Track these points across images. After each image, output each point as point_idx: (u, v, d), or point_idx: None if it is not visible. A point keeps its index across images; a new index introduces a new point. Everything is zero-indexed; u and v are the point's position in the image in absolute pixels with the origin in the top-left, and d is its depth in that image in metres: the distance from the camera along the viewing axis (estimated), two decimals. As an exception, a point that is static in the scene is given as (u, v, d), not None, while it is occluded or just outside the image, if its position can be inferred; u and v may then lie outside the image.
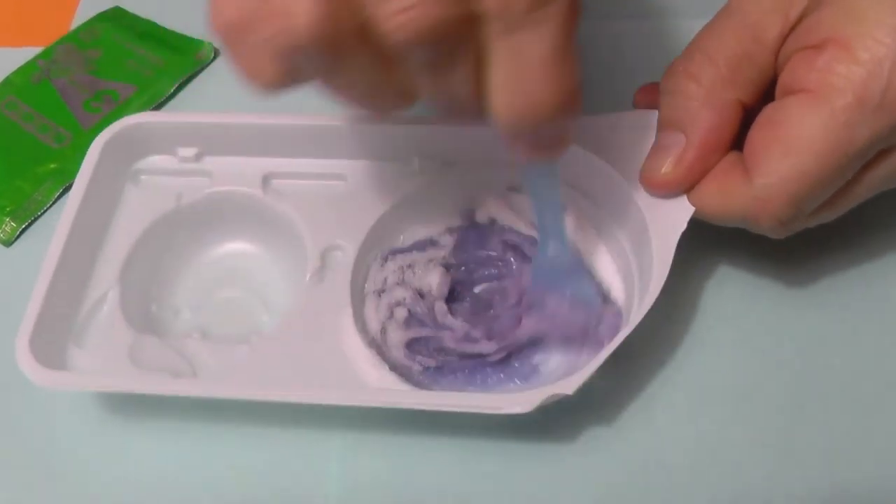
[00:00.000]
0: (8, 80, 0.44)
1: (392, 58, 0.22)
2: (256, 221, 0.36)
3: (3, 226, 0.39)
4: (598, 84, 0.40)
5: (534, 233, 0.35)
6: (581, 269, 0.34)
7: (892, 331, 0.34)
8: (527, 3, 0.21)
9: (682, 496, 0.31)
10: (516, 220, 0.36)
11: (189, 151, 0.36)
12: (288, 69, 0.22)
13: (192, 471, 0.32)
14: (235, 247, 0.37)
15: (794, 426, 0.32)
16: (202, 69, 0.45)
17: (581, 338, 0.33)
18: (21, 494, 0.32)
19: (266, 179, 0.36)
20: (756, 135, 0.30)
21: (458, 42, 0.22)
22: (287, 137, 0.35)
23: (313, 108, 0.33)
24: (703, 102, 0.31)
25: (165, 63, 0.44)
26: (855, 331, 0.34)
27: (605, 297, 0.34)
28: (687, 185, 0.31)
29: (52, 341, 0.31)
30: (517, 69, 0.22)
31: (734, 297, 0.35)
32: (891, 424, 0.32)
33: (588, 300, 0.33)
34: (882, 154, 0.29)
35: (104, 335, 0.33)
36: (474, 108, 0.24)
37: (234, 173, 0.36)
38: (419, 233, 0.36)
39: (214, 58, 0.45)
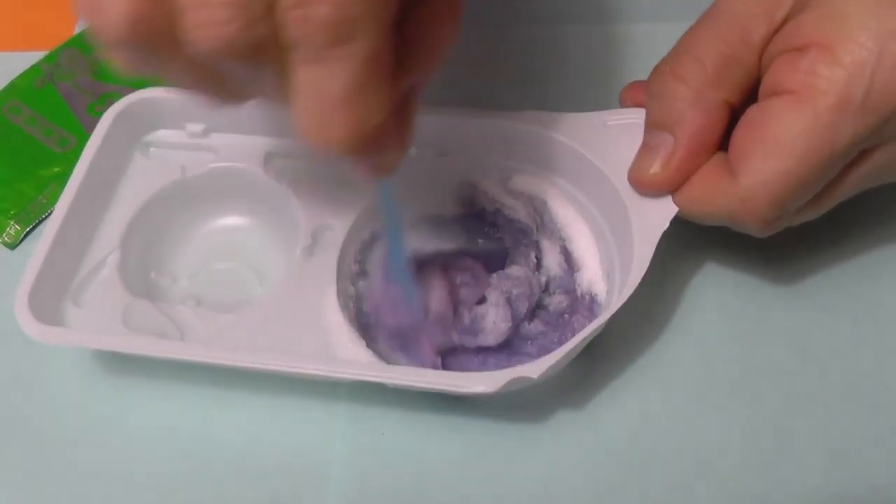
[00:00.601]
0: (12, 84, 0.44)
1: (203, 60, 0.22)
2: (256, 197, 0.37)
3: (8, 229, 0.40)
4: (585, 84, 0.40)
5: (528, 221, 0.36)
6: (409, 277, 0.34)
7: (874, 327, 0.34)
8: (326, 39, 0.21)
9: (646, 482, 0.32)
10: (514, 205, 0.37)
11: (197, 127, 0.37)
12: (127, 54, 0.23)
13: (182, 431, 0.34)
14: (234, 220, 0.38)
15: (769, 420, 0.32)
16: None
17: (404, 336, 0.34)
18: (14, 449, 0.34)
19: (268, 158, 0.37)
20: (740, 136, 0.31)
21: (262, 58, 0.22)
22: (289, 119, 0.36)
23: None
24: (690, 103, 0.31)
25: None
26: (838, 327, 0.34)
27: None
28: (675, 186, 0.32)
29: (50, 298, 0.33)
30: (314, 99, 0.22)
31: (716, 294, 0.35)
32: (874, 421, 0.32)
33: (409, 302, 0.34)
34: (864, 153, 0.30)
35: (102, 297, 0.34)
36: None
37: (239, 150, 0.37)
38: (410, 216, 0.37)
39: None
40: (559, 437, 0.33)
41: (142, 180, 0.37)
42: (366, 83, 0.22)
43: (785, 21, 0.30)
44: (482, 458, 0.32)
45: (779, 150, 0.29)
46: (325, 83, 0.22)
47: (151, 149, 0.38)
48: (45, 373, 0.35)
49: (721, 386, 0.33)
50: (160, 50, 0.22)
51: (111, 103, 0.37)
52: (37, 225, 0.40)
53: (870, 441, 0.32)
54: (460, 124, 0.35)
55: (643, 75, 0.33)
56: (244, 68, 0.22)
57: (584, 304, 0.34)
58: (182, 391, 0.34)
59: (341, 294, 0.34)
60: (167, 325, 0.33)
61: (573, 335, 0.33)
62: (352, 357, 0.32)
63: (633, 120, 0.33)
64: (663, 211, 0.32)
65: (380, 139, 0.24)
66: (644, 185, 0.32)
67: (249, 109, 0.36)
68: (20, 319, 0.32)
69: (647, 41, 0.41)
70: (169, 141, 0.38)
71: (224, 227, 0.38)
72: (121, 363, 0.35)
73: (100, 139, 0.36)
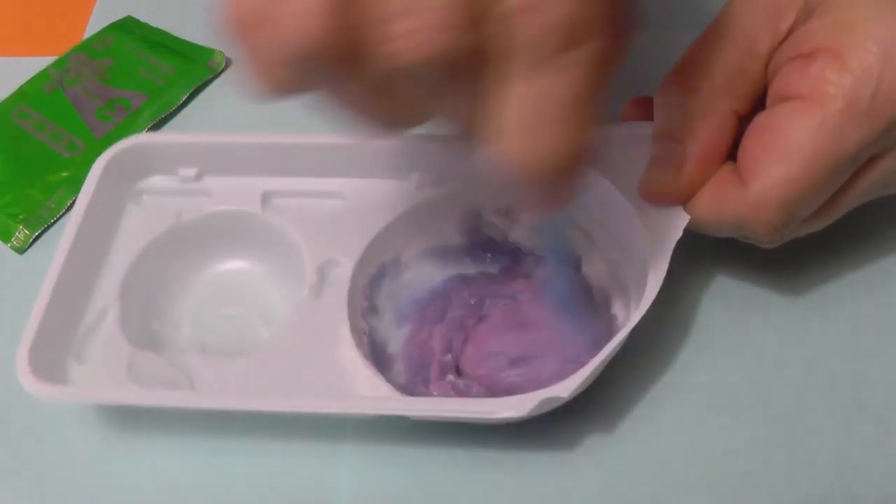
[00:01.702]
0: (21, 89, 0.45)
1: (393, 76, 0.21)
2: (256, 239, 0.36)
3: (17, 233, 0.40)
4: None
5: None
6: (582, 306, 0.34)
7: (883, 338, 0.34)
8: (557, 45, 0.20)
9: (681, 497, 0.31)
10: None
11: (189, 171, 0.37)
12: (295, 73, 0.21)
13: (192, 485, 0.32)
14: (235, 264, 0.37)
15: (797, 434, 0.32)
16: (214, 78, 0.45)
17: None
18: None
19: (265, 197, 0.36)
20: (749, 142, 0.31)
21: (464, 72, 0.21)
22: (285, 156, 0.36)
23: (311, 126, 0.33)
24: (700, 113, 0.31)
25: (177, 72, 0.45)
26: (855, 338, 0.34)
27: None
28: (686, 196, 0.32)
29: (51, 355, 0.32)
30: (534, 112, 0.21)
31: (732, 306, 0.35)
32: (884, 432, 0.32)
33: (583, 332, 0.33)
34: (872, 160, 0.30)
35: (104, 350, 0.33)
36: (471, 136, 0.23)
37: (234, 192, 0.36)
38: (417, 248, 0.36)
39: (226, 66, 0.45)
40: (588, 462, 0.32)
41: (137, 229, 0.36)
42: (592, 89, 0.21)
43: (790, 31, 0.31)
44: (501, 491, 0.31)
45: (788, 154, 0.29)
46: (549, 94, 0.21)
47: (144, 197, 0.37)
48: (51, 429, 0.34)
49: (742, 399, 0.33)
50: (344, 67, 0.20)
51: (120, 108, 0.37)
52: (45, 230, 0.40)
53: (881, 452, 0.31)
54: (461, 150, 0.35)
55: (645, 87, 0.33)
56: (435, 85, 0.21)
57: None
58: (191, 442, 0.33)
59: (355, 330, 0.33)
60: (173, 375, 0.32)
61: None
62: (371, 392, 0.31)
63: (638, 132, 0.33)
64: (675, 220, 0.32)
65: (591, 150, 0.22)
66: (655, 197, 0.32)
67: (243, 149, 0.36)
68: (22, 379, 0.30)
69: (650, 51, 0.41)
70: (161, 187, 0.37)
71: (225, 272, 0.37)
72: (126, 418, 0.34)
73: (91, 190, 0.35)
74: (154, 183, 0.37)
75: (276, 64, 0.21)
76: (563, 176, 0.23)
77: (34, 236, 0.40)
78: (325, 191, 0.36)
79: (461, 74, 0.21)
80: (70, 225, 0.34)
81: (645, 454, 0.32)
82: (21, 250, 0.40)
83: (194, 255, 0.37)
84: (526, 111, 0.21)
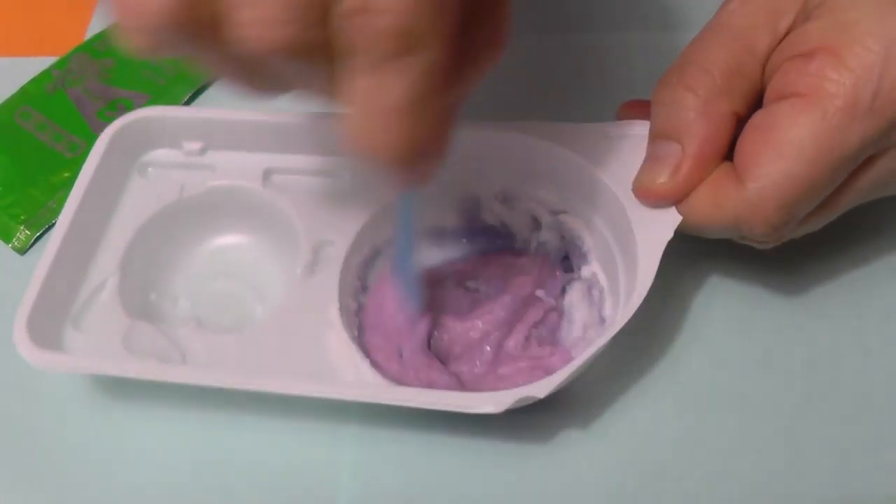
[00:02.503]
0: (23, 89, 0.45)
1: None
2: (255, 215, 0.37)
3: (18, 234, 0.40)
4: (584, 94, 0.40)
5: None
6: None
7: (882, 335, 0.34)
8: (388, 49, 0.21)
9: (657, 497, 0.31)
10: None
11: (194, 145, 0.37)
12: (157, 39, 0.22)
13: (185, 455, 0.33)
14: (234, 239, 0.38)
15: (789, 433, 0.32)
16: (215, 78, 0.45)
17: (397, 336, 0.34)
18: (15, 474, 0.33)
19: (266, 174, 0.36)
20: (747, 140, 0.30)
21: (313, 60, 0.21)
22: (287, 134, 0.36)
23: (315, 104, 0.33)
24: (699, 113, 0.31)
25: (178, 72, 0.45)
26: (845, 336, 0.34)
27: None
28: (681, 196, 0.31)
29: (49, 323, 0.33)
30: (367, 108, 0.22)
31: (722, 307, 0.35)
32: (884, 429, 0.32)
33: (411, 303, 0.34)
34: (870, 160, 0.30)
35: (102, 320, 0.34)
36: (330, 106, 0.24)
37: (236, 168, 0.37)
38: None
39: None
40: (570, 455, 0.32)
41: (140, 201, 0.37)
42: (423, 96, 0.22)
43: (788, 31, 0.30)
44: (494, 478, 0.32)
45: (787, 151, 0.29)
46: (382, 93, 0.22)
47: (149, 169, 0.38)
48: (46, 397, 0.35)
49: (730, 397, 0.33)
50: (200, 41, 0.22)
51: (122, 109, 0.37)
52: (47, 230, 0.40)
53: (881, 449, 0.31)
54: (460, 136, 0.35)
55: (642, 85, 0.33)
56: (291, 68, 0.22)
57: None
58: (185, 414, 0.34)
59: (344, 310, 0.33)
60: (168, 348, 0.33)
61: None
62: (355, 376, 0.31)
63: (634, 131, 0.33)
64: (667, 220, 0.32)
65: (424, 150, 0.23)
66: (650, 196, 0.32)
67: (247, 125, 0.36)
68: (19, 346, 0.31)
69: (648, 50, 0.41)
70: (166, 160, 0.38)
71: (224, 246, 0.38)
72: (122, 387, 0.35)
73: (96, 161, 0.36)
74: (159, 156, 0.38)
75: (138, 29, 0.22)
76: (405, 165, 0.23)
77: (35, 237, 0.40)
78: (325, 170, 0.36)
79: (314, 62, 0.21)
80: (73, 194, 0.35)
81: (625, 449, 0.32)
82: (22, 251, 0.40)
83: (195, 229, 0.37)
84: (362, 106, 0.22)
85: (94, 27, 0.48)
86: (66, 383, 0.35)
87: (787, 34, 0.30)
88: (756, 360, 0.34)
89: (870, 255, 0.36)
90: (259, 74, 0.23)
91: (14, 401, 0.35)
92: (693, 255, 0.35)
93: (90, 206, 0.35)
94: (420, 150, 0.23)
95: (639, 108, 0.34)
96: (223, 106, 0.43)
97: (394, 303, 0.34)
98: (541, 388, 0.29)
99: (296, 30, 0.21)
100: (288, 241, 0.35)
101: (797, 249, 0.33)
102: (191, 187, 0.37)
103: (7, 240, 0.40)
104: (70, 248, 0.34)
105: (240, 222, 0.37)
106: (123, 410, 0.34)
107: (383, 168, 0.23)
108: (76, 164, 0.41)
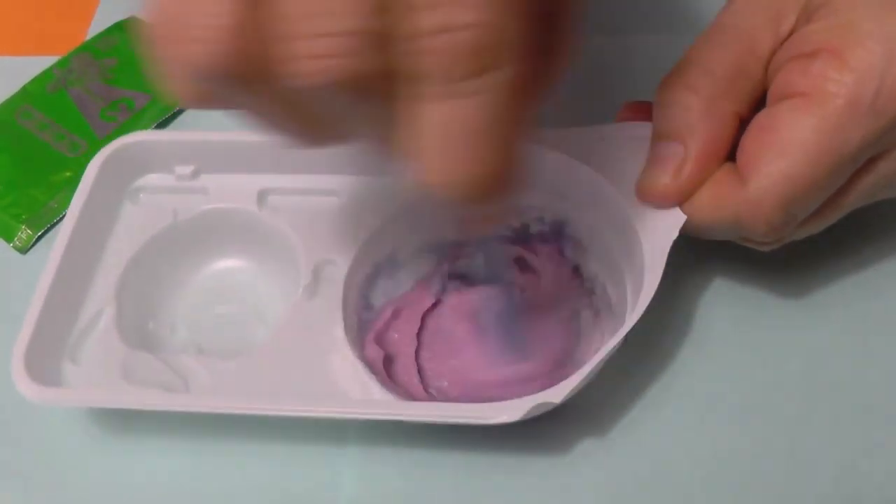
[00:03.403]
0: (24, 89, 0.45)
1: (301, 95, 0.20)
2: (252, 237, 0.36)
3: (19, 234, 0.40)
4: (583, 97, 0.40)
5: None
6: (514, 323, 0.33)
7: (884, 339, 0.34)
8: (468, 69, 0.19)
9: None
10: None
11: (186, 169, 0.36)
12: (206, 87, 0.21)
13: (188, 487, 0.32)
14: (232, 262, 0.37)
15: (797, 437, 0.32)
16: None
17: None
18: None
19: (261, 195, 0.36)
20: (749, 140, 0.30)
21: (374, 92, 0.20)
22: (281, 154, 0.35)
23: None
24: (701, 114, 0.30)
25: None
26: (854, 339, 0.34)
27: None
28: (684, 197, 0.31)
29: (46, 358, 0.32)
30: (447, 136, 0.20)
31: (732, 308, 0.35)
32: (886, 433, 0.32)
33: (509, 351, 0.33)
34: (871, 162, 0.30)
35: (99, 352, 0.33)
36: (392, 155, 0.22)
37: (230, 190, 0.36)
38: (412, 245, 0.36)
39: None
40: (584, 465, 0.32)
41: (133, 228, 0.36)
42: (507, 116, 0.20)
43: (791, 33, 0.30)
44: (504, 493, 0.31)
45: (788, 151, 0.28)
46: (461, 119, 0.20)
47: (141, 195, 0.37)
48: (44, 432, 0.34)
49: (738, 402, 0.33)
50: (250, 84, 0.20)
51: (123, 108, 0.37)
52: (48, 230, 0.40)
53: (882, 454, 0.31)
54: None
55: (643, 86, 0.33)
56: (346, 105, 0.20)
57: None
58: (187, 445, 0.33)
59: (349, 329, 0.33)
60: (169, 377, 0.32)
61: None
62: (363, 395, 0.31)
63: (635, 133, 0.33)
64: (671, 220, 0.31)
65: (504, 178, 0.22)
66: (654, 197, 0.32)
67: (240, 147, 0.36)
68: (17, 381, 0.31)
69: (648, 52, 0.41)
70: (158, 185, 0.37)
71: (221, 271, 0.37)
72: (123, 420, 0.34)
73: (87, 189, 0.35)
74: (151, 181, 0.37)
75: (187, 78, 0.21)
76: (485, 198, 0.22)
77: (37, 236, 0.40)
78: (320, 188, 0.36)
79: (372, 95, 0.20)
80: (66, 224, 0.34)
81: (641, 457, 0.32)
82: (24, 250, 0.40)
83: (190, 254, 0.36)
84: (439, 135, 0.20)
85: (95, 27, 0.48)
86: (65, 418, 0.34)
87: (789, 35, 0.30)
88: (762, 366, 0.33)
89: (872, 258, 0.35)
90: (306, 119, 0.22)
91: (11, 435, 0.34)
92: (697, 259, 0.35)
93: (83, 235, 0.34)
94: (506, 176, 0.21)
95: (638, 110, 0.34)
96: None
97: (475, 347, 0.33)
98: (556, 394, 0.28)
99: (358, 61, 0.19)
100: (287, 262, 0.35)
101: (800, 252, 0.33)
102: (184, 212, 0.36)
103: (8, 239, 0.40)
104: (64, 279, 0.33)
105: (237, 245, 0.37)
106: (123, 444, 0.34)
107: (462, 204, 0.22)
108: (77, 164, 0.41)
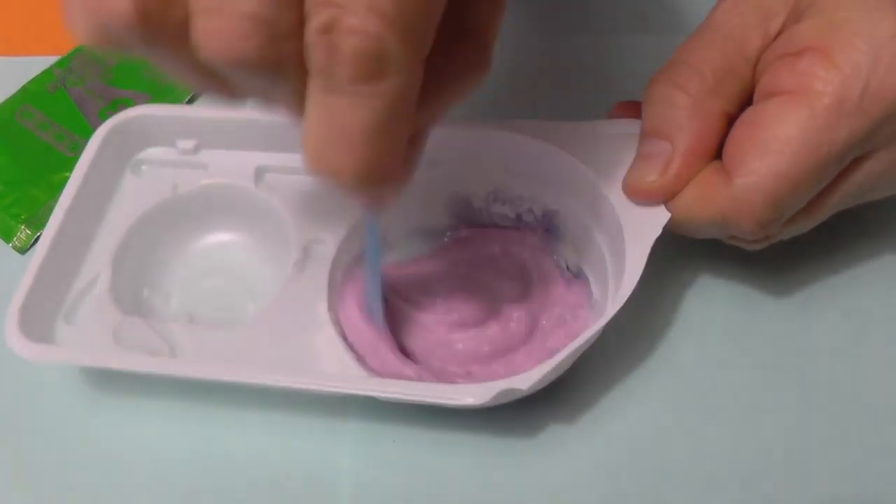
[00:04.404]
0: (24, 88, 0.45)
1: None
2: (247, 213, 0.37)
3: (19, 233, 0.40)
4: (576, 94, 0.40)
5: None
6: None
7: (872, 336, 0.34)
8: (352, 74, 0.20)
9: (641, 497, 0.31)
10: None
11: (188, 143, 0.37)
12: (112, 36, 0.21)
13: (173, 449, 0.33)
14: (226, 236, 0.38)
15: (770, 431, 0.32)
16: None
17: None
18: (3, 468, 0.34)
19: (259, 173, 0.37)
20: (735, 137, 0.31)
21: (277, 76, 0.20)
22: (281, 133, 0.36)
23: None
24: (689, 112, 0.31)
25: None
26: (834, 336, 0.34)
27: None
28: (671, 194, 0.32)
29: (40, 317, 0.33)
30: (327, 130, 0.21)
31: (711, 307, 0.35)
32: (875, 430, 0.32)
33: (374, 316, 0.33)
34: (857, 162, 0.30)
35: (93, 315, 0.34)
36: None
37: (229, 166, 0.37)
38: (403, 228, 0.37)
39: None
40: (559, 451, 0.32)
41: (133, 198, 0.37)
42: (387, 124, 0.21)
43: (779, 33, 0.31)
44: (485, 474, 0.32)
45: (774, 148, 0.29)
46: (343, 117, 0.20)
47: (143, 167, 0.38)
48: (37, 390, 0.35)
49: (714, 396, 0.33)
50: (161, 45, 0.21)
51: (123, 108, 0.37)
52: None
53: (874, 450, 0.31)
54: (451, 134, 0.35)
55: (634, 86, 0.33)
56: (254, 80, 0.21)
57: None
58: (175, 410, 0.34)
59: (332, 308, 0.33)
60: (159, 343, 0.33)
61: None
62: (341, 371, 0.31)
63: (625, 130, 0.33)
64: (656, 218, 0.32)
65: (385, 176, 0.22)
66: (640, 194, 0.32)
67: (240, 124, 0.37)
68: (10, 339, 0.32)
69: (639, 52, 0.41)
70: (160, 158, 0.38)
71: (216, 244, 0.38)
72: (113, 382, 0.35)
73: (90, 158, 0.36)
74: (153, 154, 0.38)
75: (97, 27, 0.21)
76: (363, 191, 0.22)
77: (36, 236, 0.40)
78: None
79: (277, 76, 0.21)
80: (67, 191, 0.35)
81: (614, 445, 0.32)
82: (23, 250, 0.40)
83: (187, 227, 0.37)
84: (319, 127, 0.21)
85: (75, 16, 0.48)
86: (57, 377, 0.35)
87: (778, 35, 0.31)
88: (744, 359, 0.34)
89: (857, 258, 0.36)
90: (222, 82, 0.22)
91: (4, 394, 0.35)
92: (683, 256, 0.35)
93: (84, 202, 0.36)
94: (380, 176, 0.22)
95: (631, 109, 0.34)
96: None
97: (359, 315, 0.34)
98: (524, 381, 0.29)
99: (257, 44, 0.20)
100: (279, 239, 0.36)
101: (785, 251, 0.34)
102: (184, 185, 0.37)
103: (7, 239, 0.40)
104: (63, 243, 0.34)
105: (232, 220, 0.38)
106: (114, 406, 0.35)
107: (340, 190, 0.22)
108: (78, 164, 0.42)
